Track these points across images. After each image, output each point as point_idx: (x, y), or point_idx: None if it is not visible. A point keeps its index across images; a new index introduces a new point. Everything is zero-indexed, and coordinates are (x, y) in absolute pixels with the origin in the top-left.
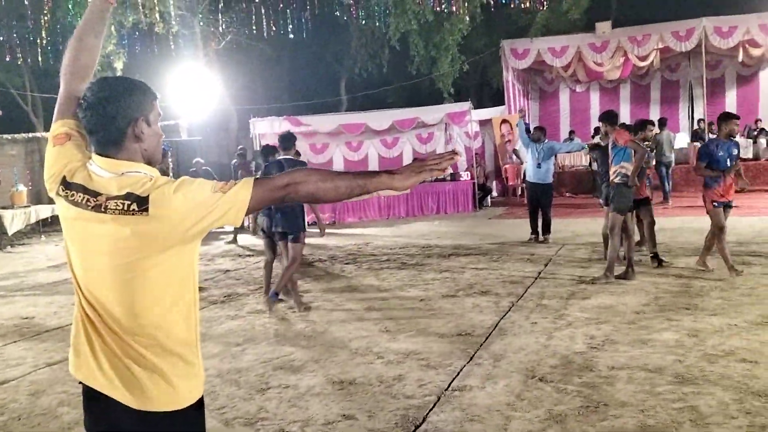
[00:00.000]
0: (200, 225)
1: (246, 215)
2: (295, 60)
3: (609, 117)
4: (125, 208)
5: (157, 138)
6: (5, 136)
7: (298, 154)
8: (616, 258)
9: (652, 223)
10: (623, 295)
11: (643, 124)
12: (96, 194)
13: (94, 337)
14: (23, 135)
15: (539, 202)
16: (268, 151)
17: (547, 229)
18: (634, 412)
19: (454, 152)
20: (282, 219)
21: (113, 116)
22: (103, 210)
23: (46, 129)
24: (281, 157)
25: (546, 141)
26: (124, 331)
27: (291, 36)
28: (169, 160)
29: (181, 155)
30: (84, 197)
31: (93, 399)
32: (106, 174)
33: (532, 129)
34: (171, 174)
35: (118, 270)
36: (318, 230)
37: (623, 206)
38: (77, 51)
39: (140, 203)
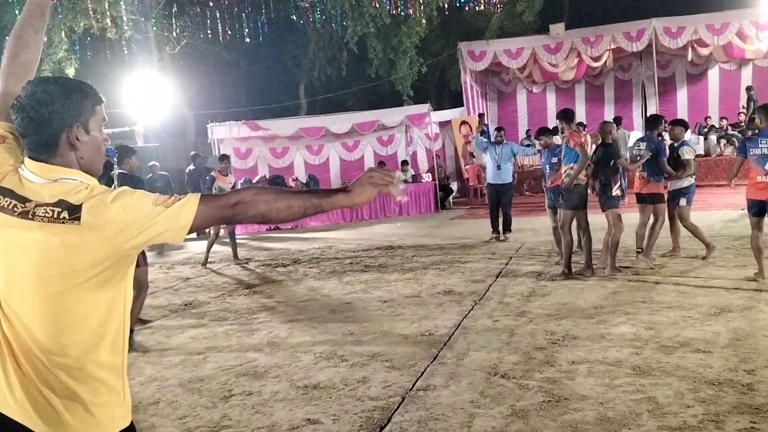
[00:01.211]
0: (136, 240)
1: (189, 234)
2: (252, 64)
3: (566, 115)
4: (55, 215)
5: (97, 146)
6: None
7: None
8: (570, 255)
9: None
10: (582, 291)
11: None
12: (25, 200)
13: (8, 357)
14: None
15: (500, 201)
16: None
17: (507, 227)
18: (594, 404)
19: (399, 183)
20: None
21: (46, 120)
22: (30, 217)
23: None
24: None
25: (506, 143)
26: (43, 351)
27: (247, 40)
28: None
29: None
30: (11, 203)
31: (7, 427)
32: (39, 180)
33: (491, 131)
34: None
35: (43, 283)
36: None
37: (572, 204)
38: (16, 48)
39: (72, 211)
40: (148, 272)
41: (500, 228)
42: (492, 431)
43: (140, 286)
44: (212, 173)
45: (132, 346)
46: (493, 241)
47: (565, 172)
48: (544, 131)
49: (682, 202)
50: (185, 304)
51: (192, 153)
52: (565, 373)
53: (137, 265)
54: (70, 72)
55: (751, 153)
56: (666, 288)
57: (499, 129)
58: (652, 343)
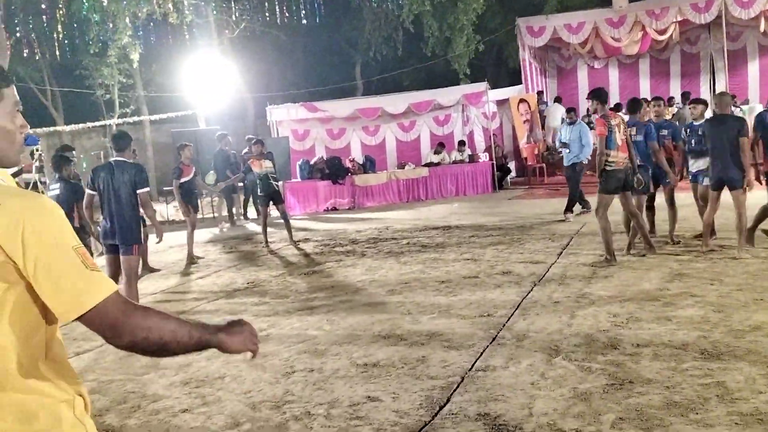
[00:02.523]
0: (38, 273)
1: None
2: (309, 46)
3: (599, 95)
4: None
5: (6, 135)
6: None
7: (135, 154)
8: (608, 238)
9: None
10: (647, 272)
11: (637, 104)
12: None
13: None
14: (45, 129)
15: (567, 181)
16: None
17: (567, 207)
18: (660, 388)
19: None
20: (111, 228)
21: None
22: None
23: (67, 123)
24: (113, 159)
25: (578, 123)
26: None
27: (304, 22)
28: (37, 153)
29: (201, 145)
30: None
31: None
32: None
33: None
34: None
35: None
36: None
37: (603, 189)
38: None
39: None
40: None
41: (578, 207)
42: (554, 413)
43: (128, 277)
44: (249, 161)
45: None
46: (567, 220)
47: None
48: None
49: (705, 181)
50: (248, 283)
51: (218, 133)
52: (630, 356)
53: (129, 253)
54: (135, 57)
55: None
56: (736, 269)
57: (569, 110)
58: (722, 326)
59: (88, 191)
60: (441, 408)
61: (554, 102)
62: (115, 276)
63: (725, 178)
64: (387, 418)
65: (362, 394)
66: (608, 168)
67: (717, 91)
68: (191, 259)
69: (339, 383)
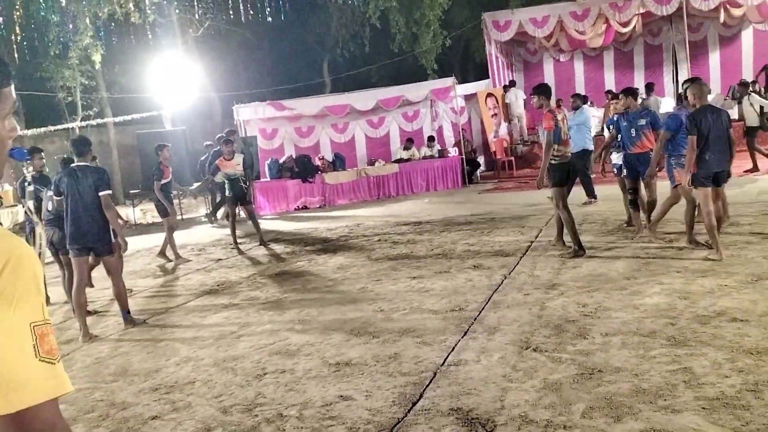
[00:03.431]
0: None
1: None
2: (276, 44)
3: (544, 90)
4: None
5: None
6: None
7: (94, 158)
8: (574, 229)
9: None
10: (614, 261)
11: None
12: None
13: None
14: None
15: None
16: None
17: (588, 193)
18: (629, 376)
19: None
20: (81, 232)
21: None
22: None
23: (29, 127)
24: (75, 165)
25: (581, 110)
26: None
27: (269, 19)
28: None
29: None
30: None
31: None
32: None
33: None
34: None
35: None
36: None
37: (555, 182)
38: None
39: None
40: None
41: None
42: (525, 404)
43: (116, 270)
44: (216, 161)
45: (134, 323)
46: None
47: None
48: (629, 91)
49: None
50: (218, 285)
51: (206, 143)
52: (599, 345)
53: (108, 253)
54: (96, 58)
55: None
56: (700, 257)
57: (574, 96)
58: (688, 312)
59: (55, 197)
60: (414, 404)
61: (510, 87)
62: (84, 276)
63: (721, 172)
64: (360, 417)
65: (335, 394)
66: (554, 162)
67: (684, 81)
68: (177, 260)
69: (311, 383)
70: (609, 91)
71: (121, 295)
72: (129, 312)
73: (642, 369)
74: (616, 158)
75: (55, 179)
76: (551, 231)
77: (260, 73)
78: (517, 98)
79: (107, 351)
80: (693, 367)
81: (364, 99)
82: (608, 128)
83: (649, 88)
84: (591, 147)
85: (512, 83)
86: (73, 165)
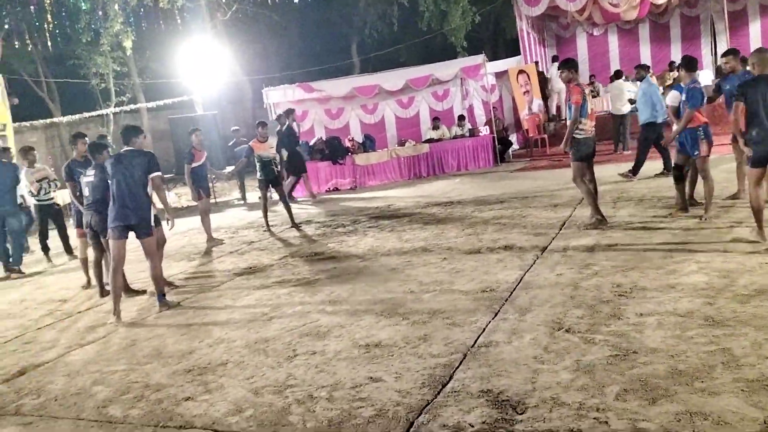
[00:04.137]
0: None
1: None
2: (304, 25)
3: (572, 64)
4: None
5: None
6: (24, 123)
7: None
8: (593, 201)
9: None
10: (650, 239)
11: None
12: None
13: None
14: (42, 121)
15: (638, 142)
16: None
17: (634, 169)
18: (665, 357)
19: None
20: (124, 213)
21: None
22: None
23: (65, 114)
24: (123, 150)
25: (646, 80)
26: None
27: (296, 1)
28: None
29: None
30: None
31: None
32: None
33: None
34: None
35: None
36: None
37: (576, 155)
38: None
39: None
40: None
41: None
42: (557, 387)
43: (153, 252)
44: (249, 143)
45: (169, 305)
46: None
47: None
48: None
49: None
50: (250, 267)
51: (233, 128)
52: (633, 326)
53: (151, 233)
54: (128, 44)
55: None
56: (741, 234)
57: (638, 66)
58: (727, 292)
59: (92, 182)
60: (443, 386)
61: (552, 62)
62: (122, 259)
63: None
64: (389, 398)
65: (364, 375)
66: (579, 136)
67: (724, 52)
68: (212, 242)
69: (341, 365)
70: (672, 62)
71: (157, 278)
72: (164, 295)
73: (678, 350)
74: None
75: (65, 166)
76: (585, 210)
77: (289, 55)
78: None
79: (143, 333)
80: (732, 347)
81: (393, 79)
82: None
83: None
84: (660, 119)
85: (555, 58)
86: (121, 150)
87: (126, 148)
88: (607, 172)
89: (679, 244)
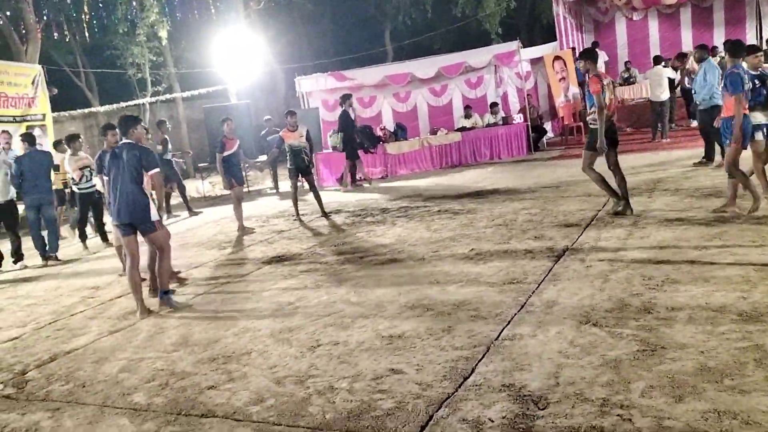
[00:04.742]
0: None
1: None
2: (337, 14)
3: (591, 55)
4: None
5: None
6: (63, 113)
7: (148, 133)
8: (605, 185)
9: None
10: (685, 231)
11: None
12: None
13: None
14: (81, 111)
15: (702, 127)
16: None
17: (707, 155)
18: (694, 353)
19: None
20: (122, 209)
21: None
22: None
23: (102, 103)
24: (122, 143)
25: (708, 61)
26: None
27: None
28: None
29: (233, 119)
30: None
31: None
32: None
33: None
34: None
35: None
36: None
37: (590, 146)
38: None
39: None
40: (169, 234)
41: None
42: (581, 382)
43: (161, 248)
44: (279, 132)
45: (173, 306)
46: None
47: (590, 115)
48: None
49: (758, 136)
50: (278, 256)
51: (265, 118)
52: (663, 320)
53: (154, 229)
54: (163, 34)
55: None
56: None
57: (699, 47)
58: (762, 285)
59: (100, 174)
60: (465, 379)
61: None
62: (136, 254)
63: None
64: (410, 391)
65: (386, 367)
66: (594, 126)
67: (766, 39)
68: (243, 231)
69: (363, 356)
70: (714, 47)
71: (164, 273)
72: (168, 292)
73: (709, 346)
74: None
75: (97, 157)
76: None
77: (323, 44)
78: (599, 62)
79: (171, 321)
80: (765, 344)
81: (425, 67)
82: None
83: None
84: (719, 102)
85: (595, 44)
86: (119, 143)
87: (124, 140)
88: (643, 160)
89: (715, 235)
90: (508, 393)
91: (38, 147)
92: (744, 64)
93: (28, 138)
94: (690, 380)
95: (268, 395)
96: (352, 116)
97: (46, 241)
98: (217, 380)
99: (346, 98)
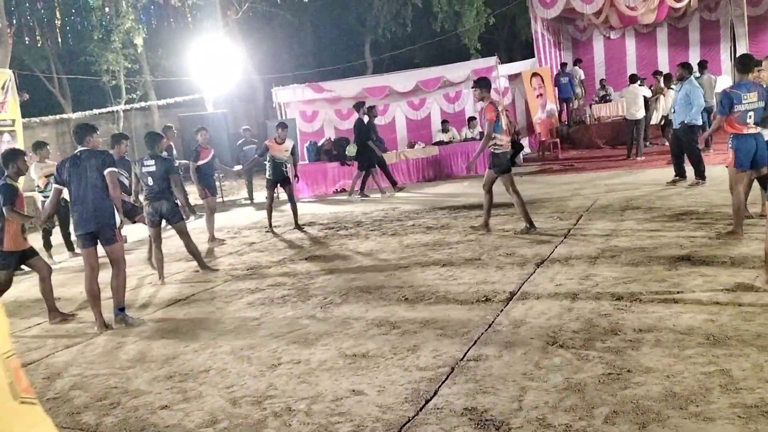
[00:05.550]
0: None
1: None
2: (317, 25)
3: (485, 84)
4: None
5: None
6: (35, 119)
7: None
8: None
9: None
10: (656, 250)
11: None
12: None
13: None
14: (53, 117)
15: (678, 146)
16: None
17: (697, 172)
18: (660, 378)
19: None
20: (86, 218)
21: None
22: None
23: (76, 110)
24: (79, 150)
25: (688, 81)
26: None
27: (307, 0)
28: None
29: (208, 129)
30: None
31: None
32: None
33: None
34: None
35: None
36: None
37: (498, 169)
38: None
39: None
40: (124, 248)
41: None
42: (544, 407)
43: (117, 261)
44: (265, 142)
45: (128, 322)
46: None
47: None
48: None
49: None
50: (248, 269)
51: (243, 128)
52: (630, 342)
53: (115, 240)
54: (138, 41)
55: None
56: (751, 247)
57: (682, 65)
58: (731, 308)
59: (55, 186)
60: (427, 402)
61: (574, 66)
62: (95, 265)
63: None
64: (369, 414)
65: (347, 388)
66: (497, 151)
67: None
68: (213, 242)
69: (324, 376)
70: (759, 62)
71: (120, 288)
72: (123, 309)
73: (675, 370)
74: None
75: (57, 166)
76: (593, 216)
77: (303, 55)
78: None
79: (130, 336)
80: (731, 369)
81: (403, 80)
82: None
83: (702, 65)
84: (698, 122)
85: (578, 61)
86: (76, 151)
87: (81, 148)
88: (619, 179)
89: (686, 256)
90: (470, 417)
91: None
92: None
93: None
94: (655, 406)
95: (222, 416)
96: (365, 124)
97: None
98: (171, 399)
99: (359, 106)
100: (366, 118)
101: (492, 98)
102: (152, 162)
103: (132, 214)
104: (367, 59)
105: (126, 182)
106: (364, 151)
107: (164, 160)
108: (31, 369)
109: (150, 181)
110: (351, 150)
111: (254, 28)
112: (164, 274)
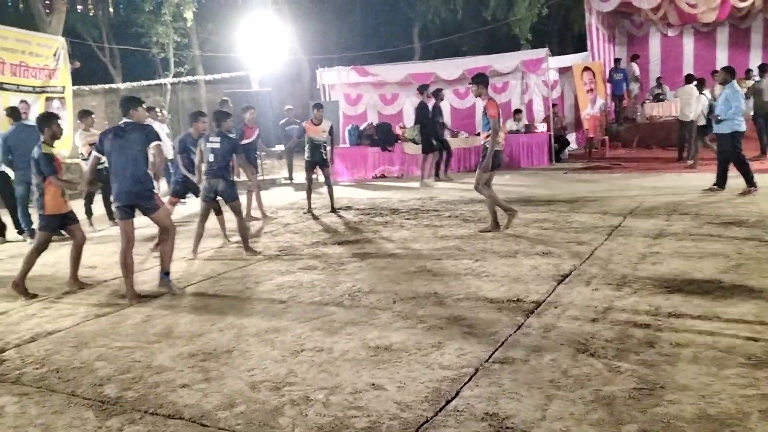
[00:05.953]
0: None
1: None
2: (367, 8)
3: (483, 80)
4: None
5: None
6: (85, 87)
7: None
8: (499, 203)
9: None
10: (700, 260)
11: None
12: None
13: None
14: (102, 86)
15: (721, 153)
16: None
17: (747, 180)
18: (695, 397)
19: None
20: (125, 191)
21: None
22: None
23: (125, 80)
24: (122, 122)
25: (730, 85)
26: None
27: None
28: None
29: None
30: None
31: None
32: None
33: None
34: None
35: None
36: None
37: (487, 167)
38: None
39: None
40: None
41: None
42: (569, 418)
43: (166, 228)
44: (303, 123)
45: (171, 289)
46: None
47: (486, 136)
48: None
49: None
50: (280, 250)
51: (286, 107)
52: (666, 356)
53: (156, 207)
54: (188, 16)
55: None
56: None
57: (724, 69)
58: None
59: (95, 153)
60: (447, 403)
61: (632, 62)
62: (131, 238)
63: None
64: (387, 410)
65: (367, 381)
66: (498, 148)
67: None
68: (265, 219)
69: (345, 366)
70: (749, 70)
71: (168, 253)
72: (168, 273)
73: (711, 390)
74: None
75: (100, 135)
76: (636, 220)
77: (351, 37)
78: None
79: (159, 309)
80: None
81: (450, 68)
82: None
83: (763, 69)
84: (741, 128)
85: (635, 57)
86: (120, 124)
87: (125, 120)
88: (667, 181)
89: (732, 268)
90: (490, 423)
91: (26, 122)
92: None
93: (13, 113)
94: (687, 428)
95: (240, 400)
96: (429, 108)
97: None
98: (192, 378)
99: (423, 88)
100: (432, 101)
101: (490, 95)
102: (218, 139)
103: (196, 190)
104: (415, 45)
105: (195, 161)
106: (425, 135)
107: (230, 139)
108: (61, 337)
109: (211, 158)
110: (412, 132)
111: (304, 7)
112: (198, 250)
